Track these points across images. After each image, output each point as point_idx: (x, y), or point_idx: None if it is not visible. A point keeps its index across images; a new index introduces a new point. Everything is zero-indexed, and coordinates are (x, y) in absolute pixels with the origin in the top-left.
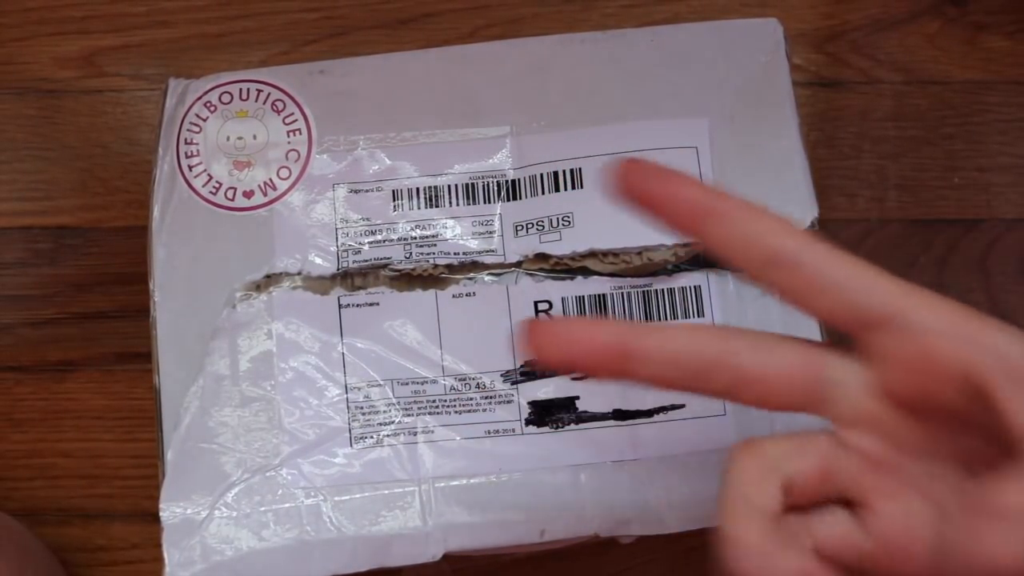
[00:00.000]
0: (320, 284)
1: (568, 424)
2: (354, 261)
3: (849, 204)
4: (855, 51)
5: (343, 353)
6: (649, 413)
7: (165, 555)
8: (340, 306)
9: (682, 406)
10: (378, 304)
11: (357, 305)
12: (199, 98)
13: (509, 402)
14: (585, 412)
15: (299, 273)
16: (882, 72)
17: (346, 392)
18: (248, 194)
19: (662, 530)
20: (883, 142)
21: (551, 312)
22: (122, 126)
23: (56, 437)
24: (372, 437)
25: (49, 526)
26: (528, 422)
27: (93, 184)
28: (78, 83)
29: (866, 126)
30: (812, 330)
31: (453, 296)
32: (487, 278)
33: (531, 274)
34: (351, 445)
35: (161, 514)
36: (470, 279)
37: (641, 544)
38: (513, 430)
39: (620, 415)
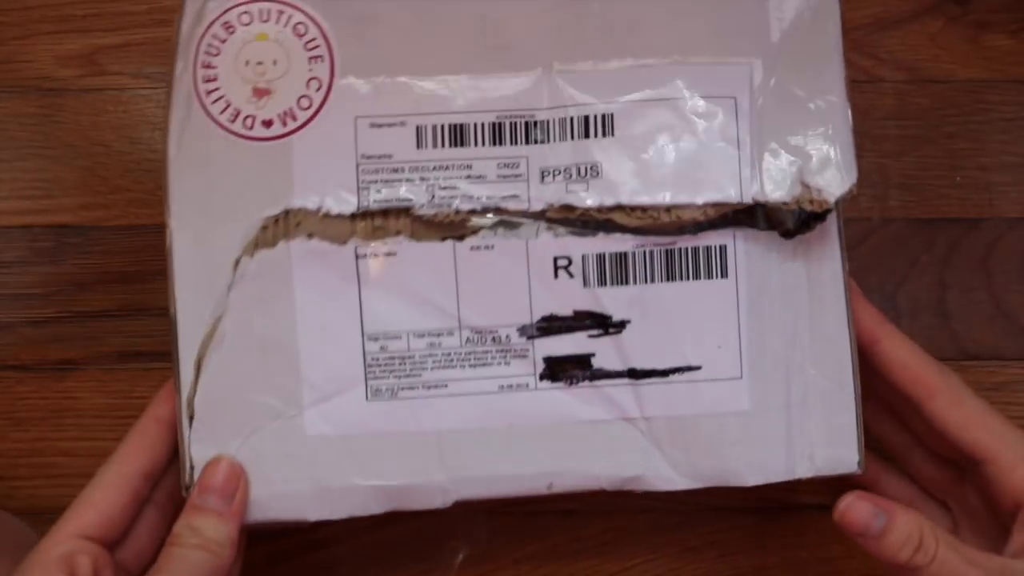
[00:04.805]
0: (339, 225)
1: (582, 381)
2: (375, 201)
3: (851, 203)
4: (857, 50)
5: (360, 304)
6: (664, 373)
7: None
8: (357, 256)
9: (698, 368)
10: (395, 254)
11: (375, 255)
12: (218, 18)
13: (524, 357)
14: (600, 370)
15: (318, 210)
16: (884, 71)
17: (363, 343)
18: (267, 123)
19: (670, 487)
20: (885, 141)
21: (571, 268)
22: (123, 125)
23: (58, 436)
24: (388, 389)
25: (51, 525)
26: (542, 377)
27: (94, 183)
28: (79, 82)
29: (868, 125)
30: (838, 294)
31: (471, 248)
32: (506, 230)
33: (552, 228)
34: (367, 397)
35: (192, 454)
36: (490, 230)
37: (641, 544)
38: (527, 385)
39: (635, 374)
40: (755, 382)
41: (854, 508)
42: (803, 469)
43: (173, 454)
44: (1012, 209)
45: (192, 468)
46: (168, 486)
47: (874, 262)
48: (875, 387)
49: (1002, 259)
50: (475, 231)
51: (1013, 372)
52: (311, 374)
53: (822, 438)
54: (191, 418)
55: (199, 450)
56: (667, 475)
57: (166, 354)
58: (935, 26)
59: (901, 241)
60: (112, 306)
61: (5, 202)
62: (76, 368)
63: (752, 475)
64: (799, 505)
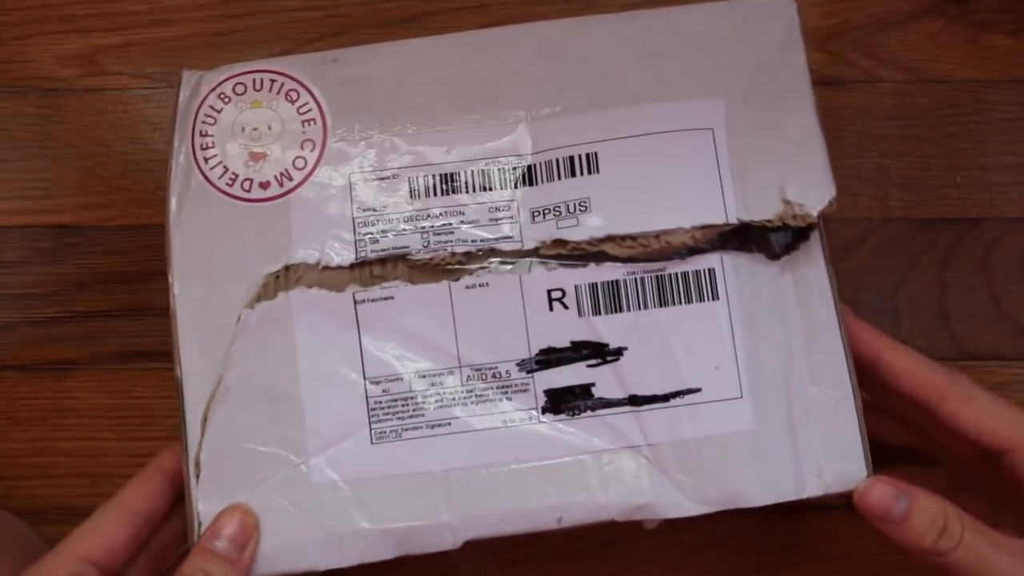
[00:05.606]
0: (338, 276)
1: (584, 411)
2: (372, 251)
3: (851, 203)
4: (857, 50)
5: (361, 349)
6: (665, 398)
7: None
8: (355, 302)
9: (698, 390)
10: (393, 298)
11: (372, 300)
12: (213, 89)
13: (525, 391)
14: (601, 399)
15: (318, 264)
16: (884, 71)
17: (365, 387)
18: (264, 185)
19: (680, 513)
20: (885, 141)
21: (565, 300)
22: (124, 125)
23: (58, 436)
24: (392, 431)
25: (51, 525)
26: (544, 410)
27: (94, 183)
28: (80, 82)
29: (868, 125)
30: (828, 307)
31: (466, 287)
32: (500, 267)
33: (544, 262)
34: (372, 440)
35: (199, 510)
36: (484, 268)
37: (641, 544)
38: (530, 418)
39: (636, 401)
40: (756, 400)
41: (874, 491)
42: (813, 486)
43: (170, 508)
44: (1012, 209)
45: (199, 525)
46: (163, 538)
47: (874, 262)
48: (887, 403)
49: (1002, 259)
50: (470, 272)
51: (1013, 372)
52: (315, 421)
53: (828, 453)
54: (198, 476)
55: (206, 506)
56: (677, 501)
57: (166, 354)
58: (935, 26)
59: (901, 241)
60: (112, 306)
61: (5, 202)
62: (76, 368)
63: (761, 495)
64: (800, 504)
